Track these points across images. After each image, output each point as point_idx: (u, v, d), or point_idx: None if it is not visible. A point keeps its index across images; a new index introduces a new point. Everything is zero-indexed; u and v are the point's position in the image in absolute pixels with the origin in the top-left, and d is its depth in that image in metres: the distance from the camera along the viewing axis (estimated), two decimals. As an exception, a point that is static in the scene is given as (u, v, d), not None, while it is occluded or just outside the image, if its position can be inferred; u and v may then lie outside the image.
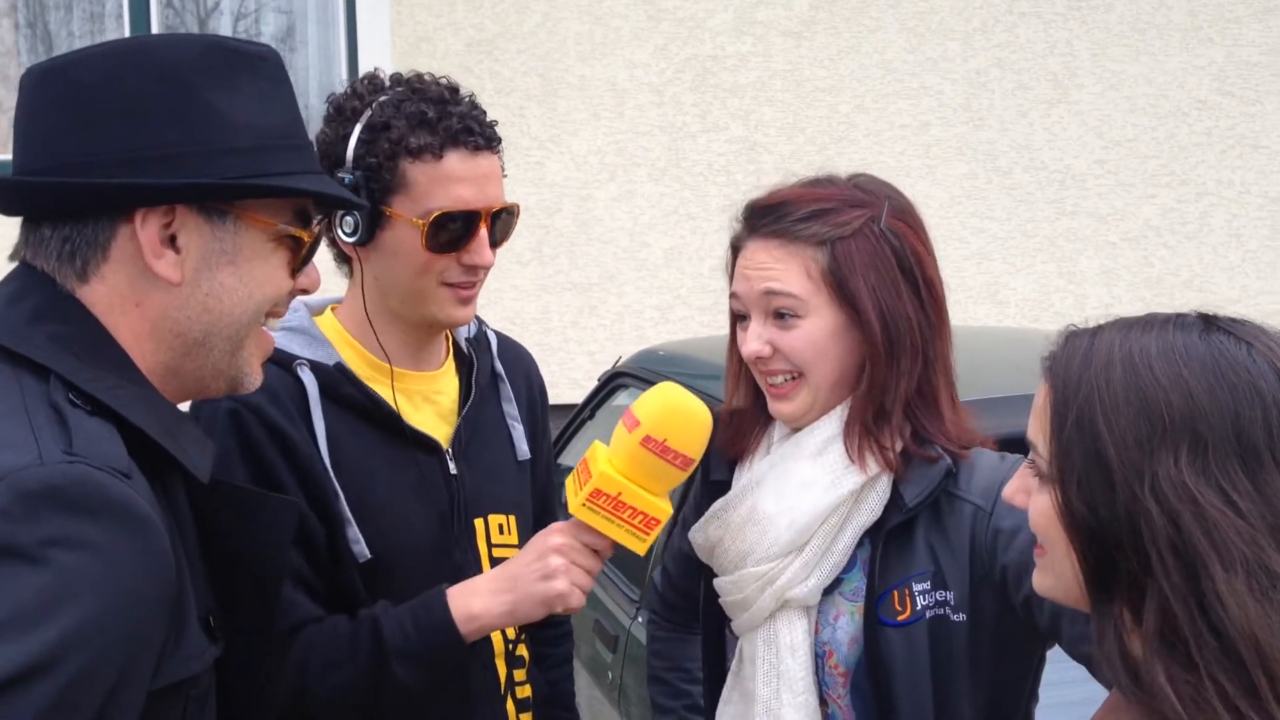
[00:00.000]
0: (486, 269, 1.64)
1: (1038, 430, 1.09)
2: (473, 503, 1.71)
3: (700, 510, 1.67)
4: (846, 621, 1.58)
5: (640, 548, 1.51)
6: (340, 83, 5.47)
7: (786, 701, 1.55)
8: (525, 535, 1.77)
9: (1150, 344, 1.03)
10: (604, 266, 5.85)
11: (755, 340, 1.57)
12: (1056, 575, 1.10)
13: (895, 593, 1.53)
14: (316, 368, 1.62)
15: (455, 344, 1.79)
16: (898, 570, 1.54)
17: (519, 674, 1.76)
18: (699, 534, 1.66)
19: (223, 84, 1.18)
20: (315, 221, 1.27)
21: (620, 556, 3.50)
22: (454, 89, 1.64)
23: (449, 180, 1.58)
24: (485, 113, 1.64)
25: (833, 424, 1.57)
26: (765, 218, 1.58)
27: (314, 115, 1.77)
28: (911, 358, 1.54)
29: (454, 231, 1.59)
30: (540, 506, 1.84)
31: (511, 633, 1.74)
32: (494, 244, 1.64)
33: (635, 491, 1.48)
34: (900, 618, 1.52)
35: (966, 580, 1.51)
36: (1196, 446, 0.98)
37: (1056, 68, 6.15)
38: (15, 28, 5.78)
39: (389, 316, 1.66)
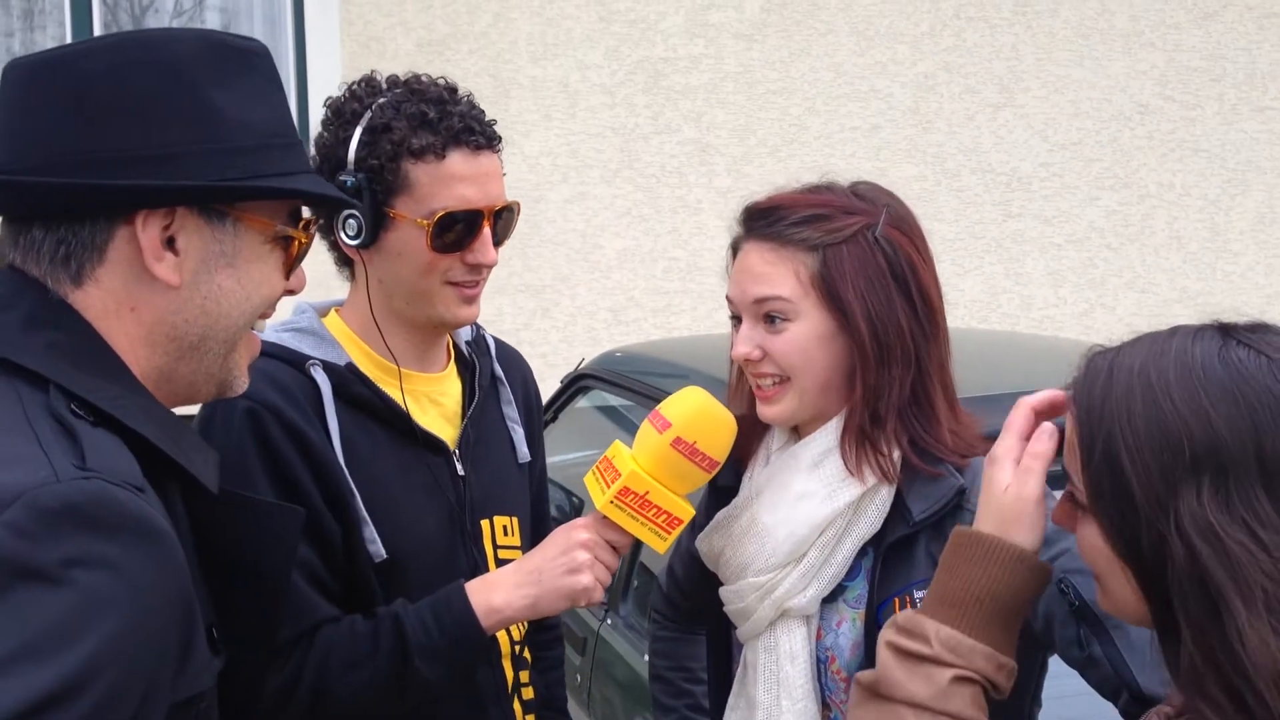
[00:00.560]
0: (490, 267, 1.63)
1: (1071, 461, 1.08)
2: (479, 504, 1.71)
3: (708, 515, 1.68)
4: (849, 628, 1.58)
5: (661, 546, 1.53)
6: (289, 83, 5.39)
7: (786, 708, 1.56)
8: (526, 537, 1.76)
9: (1169, 368, 1.02)
10: (556, 268, 5.84)
11: (744, 343, 1.57)
12: (1113, 600, 1.10)
13: (897, 599, 1.53)
14: (329, 368, 1.61)
15: (456, 347, 1.79)
16: (900, 578, 1.54)
17: (524, 675, 1.76)
18: (704, 543, 1.67)
19: (221, 81, 1.15)
20: (309, 222, 1.25)
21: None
22: (453, 89, 1.63)
23: (452, 180, 1.58)
24: (484, 112, 1.64)
25: (829, 436, 1.58)
26: (760, 221, 1.58)
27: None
28: (903, 365, 1.54)
29: (458, 231, 1.59)
30: (534, 511, 1.84)
31: (518, 634, 1.74)
32: (497, 242, 1.64)
33: (661, 491, 1.50)
34: None
35: None
36: (1219, 477, 0.97)
37: (1003, 72, 6.24)
38: (-49, 23, 5.65)
39: (394, 318, 1.66)
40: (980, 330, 4.92)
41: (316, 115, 1.66)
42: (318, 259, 1.73)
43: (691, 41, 5.94)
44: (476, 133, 1.59)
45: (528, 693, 1.76)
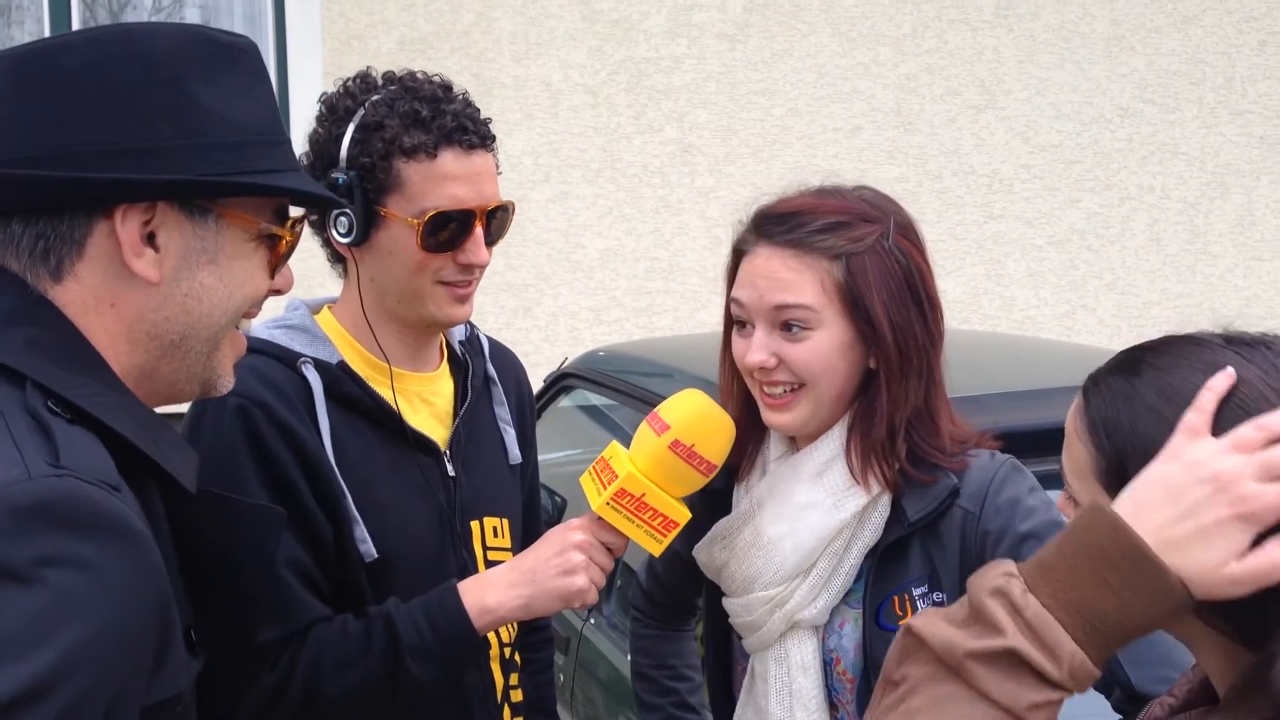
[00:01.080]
0: (482, 268, 1.62)
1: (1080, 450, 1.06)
2: (469, 505, 1.70)
3: (697, 520, 1.66)
4: (852, 628, 1.58)
5: (657, 549, 1.52)
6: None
7: (800, 719, 1.55)
8: (517, 539, 1.75)
9: (1183, 385, 0.99)
10: (538, 268, 5.83)
11: (760, 351, 1.54)
12: None
13: (895, 598, 1.53)
14: (320, 366, 1.59)
15: (449, 347, 1.78)
16: (896, 577, 1.54)
17: (513, 678, 1.75)
18: (703, 554, 1.65)
19: (206, 76, 1.13)
20: (294, 220, 1.23)
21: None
22: (447, 87, 1.62)
23: (443, 179, 1.56)
24: (479, 110, 1.63)
25: (832, 445, 1.56)
26: (779, 225, 1.55)
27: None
28: (919, 375, 1.54)
29: (450, 231, 1.57)
30: (526, 512, 1.83)
31: (507, 636, 1.72)
32: (490, 242, 1.62)
33: (658, 494, 1.49)
34: (901, 622, 1.52)
35: (957, 582, 1.52)
36: None
37: (984, 74, 6.26)
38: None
39: (386, 316, 1.64)
40: (962, 331, 4.92)
41: (297, 113, 1.66)
42: (310, 255, 1.73)
43: (674, 41, 5.94)
44: (470, 132, 1.57)
45: (516, 695, 1.75)
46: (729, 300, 1.60)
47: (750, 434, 1.64)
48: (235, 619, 1.24)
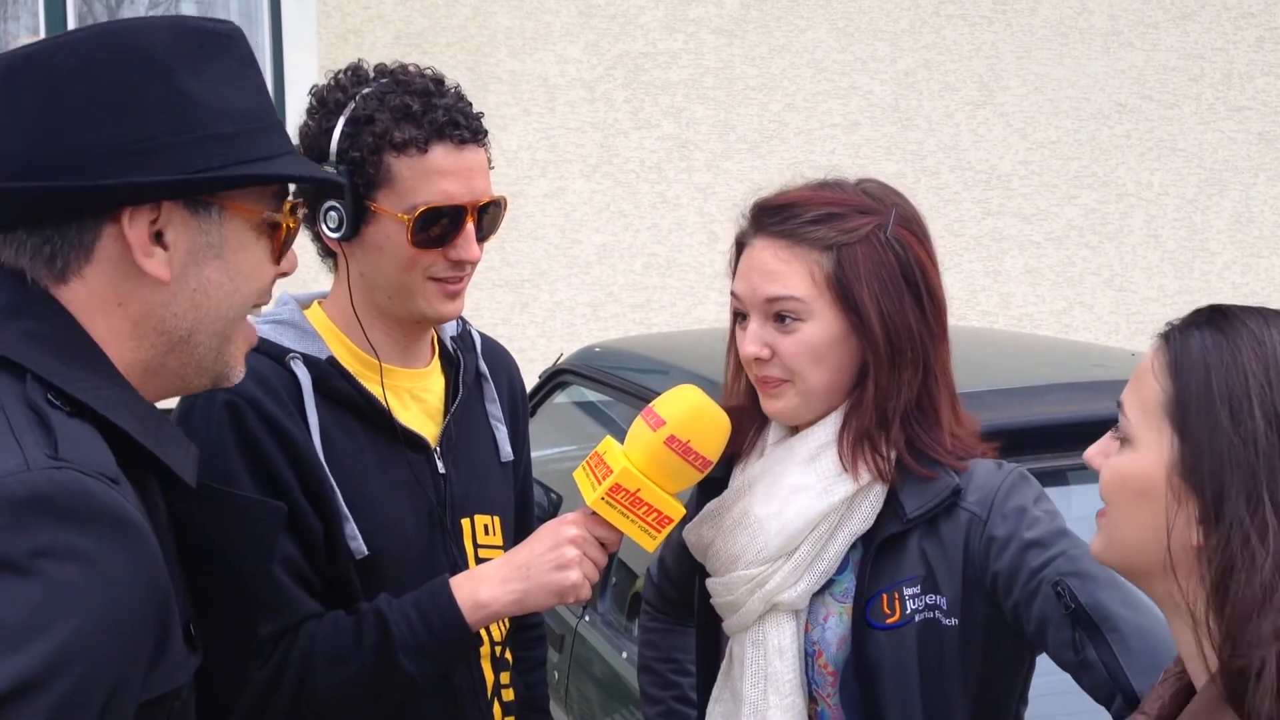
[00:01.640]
0: (473, 264, 1.61)
1: (1142, 393, 1.10)
2: (460, 502, 1.69)
3: (697, 507, 1.66)
4: (836, 622, 1.57)
5: (650, 545, 1.51)
6: (266, 77, 5.37)
7: (774, 703, 1.55)
8: (509, 537, 1.75)
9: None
10: (535, 263, 5.81)
11: (753, 342, 1.56)
12: (1123, 534, 1.12)
13: (884, 596, 1.53)
14: (309, 361, 1.58)
15: (441, 343, 1.77)
16: (888, 574, 1.54)
17: (504, 676, 1.74)
18: (692, 533, 1.65)
19: (197, 68, 1.13)
20: (293, 204, 1.22)
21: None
22: (439, 80, 1.60)
23: (434, 174, 1.55)
24: (471, 105, 1.61)
25: (826, 430, 1.57)
26: (773, 217, 1.56)
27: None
28: (913, 367, 1.53)
29: (440, 226, 1.56)
30: (519, 508, 1.82)
31: (498, 634, 1.71)
32: (482, 238, 1.61)
33: (653, 489, 1.49)
34: (889, 621, 1.52)
35: (959, 585, 1.51)
36: None
37: (982, 70, 6.25)
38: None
39: (376, 312, 1.63)
40: (959, 327, 4.91)
41: (293, 108, 1.65)
42: (301, 250, 1.72)
43: (671, 36, 5.93)
44: (461, 127, 1.56)
45: (508, 694, 1.74)
46: (731, 294, 1.61)
47: (753, 420, 1.64)
48: (234, 614, 1.24)
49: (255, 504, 1.27)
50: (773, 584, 1.55)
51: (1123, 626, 1.41)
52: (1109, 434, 1.14)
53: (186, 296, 1.14)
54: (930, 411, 1.55)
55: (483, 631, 1.66)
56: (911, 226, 1.56)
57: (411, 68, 1.61)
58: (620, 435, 1.58)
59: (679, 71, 5.93)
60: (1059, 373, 2.70)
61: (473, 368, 1.76)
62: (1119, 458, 1.11)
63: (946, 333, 1.59)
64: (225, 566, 1.22)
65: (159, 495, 1.16)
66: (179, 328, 1.15)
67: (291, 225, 1.21)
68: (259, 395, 1.53)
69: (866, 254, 1.52)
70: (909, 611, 1.51)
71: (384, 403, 1.62)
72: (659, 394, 3.09)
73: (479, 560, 1.69)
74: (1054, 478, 2.23)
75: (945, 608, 1.51)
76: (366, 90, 1.57)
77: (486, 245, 1.66)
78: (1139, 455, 1.08)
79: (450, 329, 1.78)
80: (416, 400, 1.69)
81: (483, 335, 1.84)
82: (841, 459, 1.54)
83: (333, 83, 1.61)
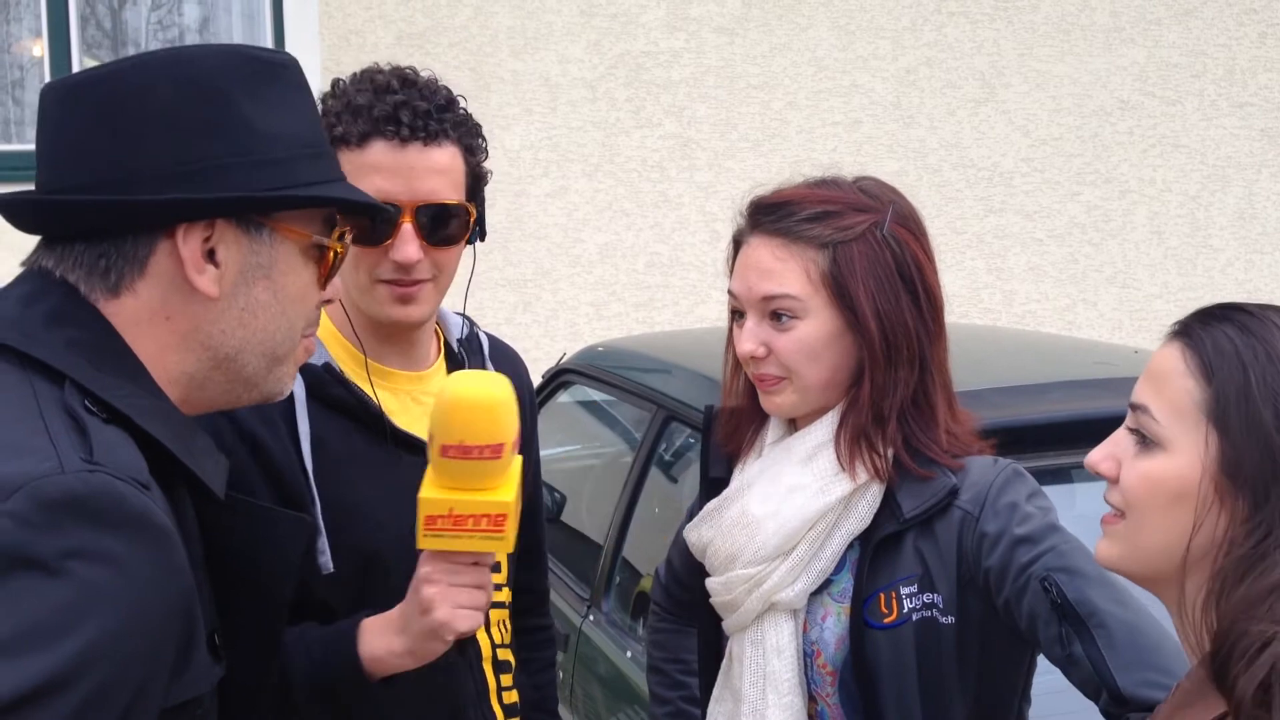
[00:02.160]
0: (412, 266, 1.56)
1: (1163, 391, 1.08)
2: None
3: (699, 507, 1.67)
4: (834, 622, 1.57)
5: (503, 548, 1.42)
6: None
7: (772, 702, 1.55)
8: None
9: None
10: (538, 262, 5.82)
11: (749, 340, 1.56)
12: (1147, 542, 1.09)
13: (882, 595, 1.53)
14: (304, 368, 1.57)
15: (446, 344, 1.76)
16: (885, 573, 1.54)
17: (505, 679, 1.73)
18: (693, 533, 1.65)
19: (253, 94, 1.16)
20: (341, 231, 1.24)
21: (571, 554, 3.46)
22: (405, 77, 1.57)
23: (369, 170, 1.52)
24: (443, 102, 1.57)
25: (824, 430, 1.57)
26: (769, 215, 1.56)
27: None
28: (909, 365, 1.53)
29: (373, 223, 1.51)
30: (527, 510, 1.82)
31: (499, 637, 1.71)
32: (437, 242, 1.56)
33: (465, 500, 1.39)
34: (886, 620, 1.52)
35: (954, 583, 1.52)
36: None
37: (984, 67, 6.24)
38: (-75, 15, 5.58)
39: (356, 311, 1.63)
40: (962, 325, 4.92)
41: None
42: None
43: (672, 35, 5.92)
44: (402, 124, 1.52)
45: (510, 696, 1.73)
46: (728, 292, 1.61)
47: (752, 419, 1.64)
48: (257, 624, 1.25)
49: (282, 516, 1.29)
50: (770, 583, 1.55)
51: (1109, 622, 1.40)
52: (1119, 439, 1.12)
53: (234, 315, 1.17)
54: (927, 409, 1.55)
55: (481, 634, 1.66)
56: (908, 224, 1.56)
57: (408, 70, 1.59)
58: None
59: (680, 70, 5.93)
60: (1062, 370, 2.70)
61: (478, 369, 1.76)
62: (1149, 462, 1.08)
63: (943, 330, 1.59)
64: (250, 577, 1.23)
65: (189, 504, 1.18)
66: (226, 344, 1.17)
67: (340, 251, 1.23)
68: (237, 409, 1.51)
69: (862, 251, 1.52)
70: (906, 611, 1.51)
71: (375, 402, 1.61)
72: (662, 392, 3.06)
73: None
74: (1057, 476, 2.23)
75: (942, 606, 1.51)
76: (343, 84, 1.57)
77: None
78: (1174, 458, 1.06)
79: (456, 330, 1.77)
80: (418, 403, 1.68)
81: (491, 337, 1.83)
82: (839, 458, 1.54)
83: (333, 81, 1.62)
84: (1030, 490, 1.54)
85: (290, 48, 5.53)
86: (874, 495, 1.55)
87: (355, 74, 1.61)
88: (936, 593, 1.52)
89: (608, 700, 2.87)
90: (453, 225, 1.58)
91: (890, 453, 1.54)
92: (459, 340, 1.77)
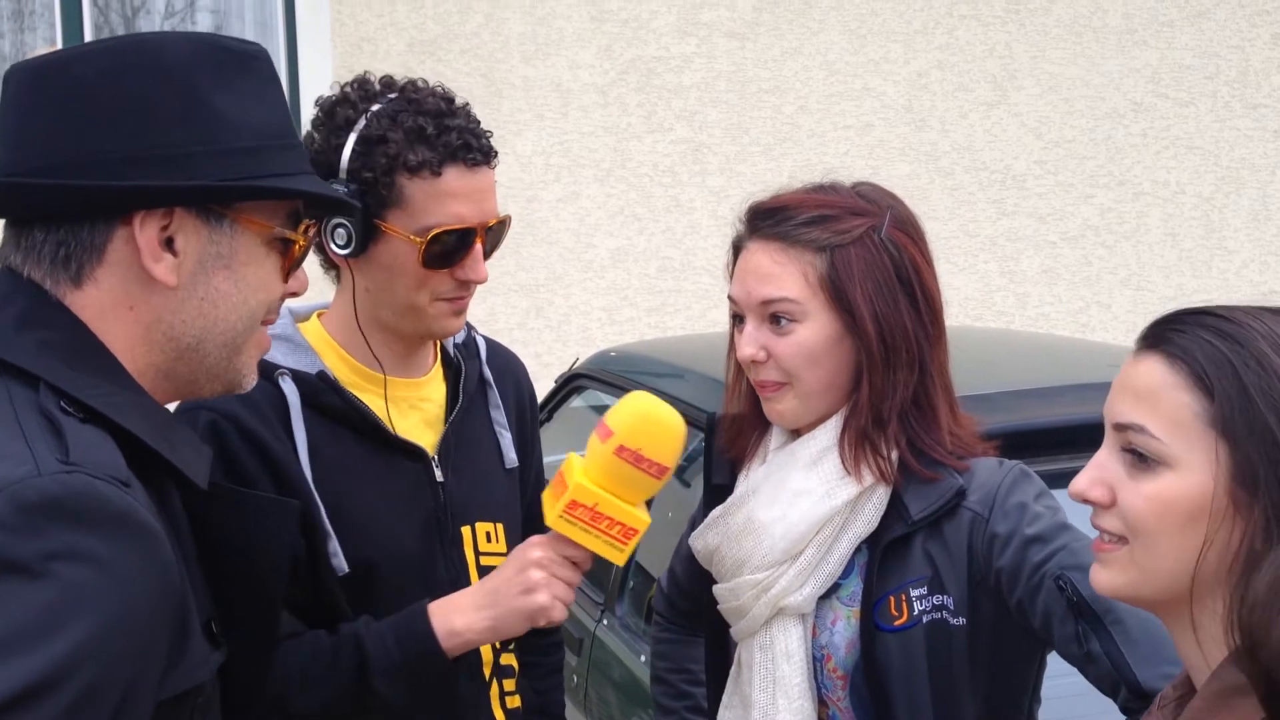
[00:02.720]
0: (480, 283, 1.61)
1: (1158, 409, 1.04)
2: (459, 510, 1.68)
3: (703, 514, 1.67)
4: (844, 626, 1.57)
5: (619, 558, 1.49)
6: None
7: (783, 707, 1.55)
8: (514, 543, 1.75)
9: None
10: (550, 268, 5.82)
11: (749, 344, 1.56)
12: (1156, 564, 1.04)
13: (892, 598, 1.53)
14: (298, 377, 1.58)
15: (443, 350, 1.77)
16: (895, 576, 1.54)
17: (508, 684, 1.74)
18: (699, 540, 1.66)
19: (219, 82, 1.15)
20: (307, 224, 1.24)
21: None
22: (449, 99, 1.60)
23: (447, 197, 1.56)
24: (480, 123, 1.61)
25: (828, 434, 1.57)
26: (767, 220, 1.57)
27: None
28: (908, 368, 1.54)
29: (450, 247, 1.57)
30: (529, 515, 1.82)
31: (499, 643, 1.71)
32: (486, 255, 1.62)
33: (612, 502, 1.46)
34: (897, 623, 1.53)
35: (965, 584, 1.52)
36: None
37: (996, 70, 6.23)
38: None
39: (378, 326, 1.64)
40: (975, 328, 4.91)
41: (308, 115, 1.64)
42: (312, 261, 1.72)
43: (683, 40, 5.93)
44: (474, 149, 1.56)
45: (512, 701, 1.73)
46: (729, 297, 1.62)
47: (755, 425, 1.65)
48: (255, 611, 1.26)
49: (268, 502, 1.29)
50: (778, 588, 1.55)
51: (1125, 618, 1.40)
52: (1103, 463, 1.07)
53: (194, 305, 1.16)
54: (929, 411, 1.56)
55: None
56: (906, 228, 1.56)
57: (420, 83, 1.61)
58: None
59: (691, 75, 5.94)
60: (1076, 374, 2.69)
61: (475, 374, 1.76)
62: (1154, 483, 1.03)
63: (943, 334, 1.59)
64: (243, 564, 1.24)
65: (176, 497, 1.18)
66: (187, 334, 1.17)
67: (303, 244, 1.23)
68: (241, 413, 1.53)
69: (860, 255, 1.52)
70: (917, 613, 1.52)
71: (380, 415, 1.62)
72: (675, 397, 3.08)
73: (480, 567, 1.68)
74: (1069, 479, 2.22)
75: (952, 607, 1.52)
76: (377, 107, 1.56)
77: (501, 250, 1.66)
78: (1184, 475, 1.01)
79: (454, 335, 1.78)
80: (415, 409, 1.69)
81: (489, 340, 1.83)
82: (843, 461, 1.55)
83: (339, 96, 1.60)
84: (1038, 490, 1.54)
85: (303, 55, 5.55)
86: (880, 498, 1.55)
87: (369, 89, 1.60)
88: (947, 594, 1.52)
89: (622, 704, 2.87)
90: (503, 236, 1.65)
91: (894, 455, 1.55)
92: (456, 345, 1.77)
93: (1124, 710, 1.41)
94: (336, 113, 1.59)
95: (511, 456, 1.78)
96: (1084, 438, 2.22)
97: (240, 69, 1.17)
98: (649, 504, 1.53)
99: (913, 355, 1.54)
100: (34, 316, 1.12)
